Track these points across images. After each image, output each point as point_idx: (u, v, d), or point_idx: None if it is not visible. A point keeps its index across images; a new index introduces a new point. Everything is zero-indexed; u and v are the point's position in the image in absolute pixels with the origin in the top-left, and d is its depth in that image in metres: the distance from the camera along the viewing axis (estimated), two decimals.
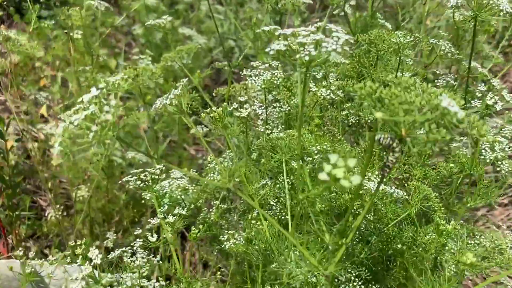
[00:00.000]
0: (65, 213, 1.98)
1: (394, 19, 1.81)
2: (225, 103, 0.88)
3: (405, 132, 0.61)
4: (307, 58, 0.59)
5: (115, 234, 1.10)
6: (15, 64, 2.36)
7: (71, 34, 1.60)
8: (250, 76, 1.17)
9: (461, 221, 1.35)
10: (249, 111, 1.03)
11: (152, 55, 2.28)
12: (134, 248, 0.99)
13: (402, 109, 0.57)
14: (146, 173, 0.97)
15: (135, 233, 0.99)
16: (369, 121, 1.31)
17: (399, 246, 1.10)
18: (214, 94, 1.46)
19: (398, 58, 1.09)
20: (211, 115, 0.84)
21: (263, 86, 1.16)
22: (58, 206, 1.87)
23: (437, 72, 1.35)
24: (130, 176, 0.96)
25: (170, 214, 0.93)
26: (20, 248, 1.90)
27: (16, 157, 2.12)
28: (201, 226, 1.06)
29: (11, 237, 1.91)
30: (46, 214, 1.85)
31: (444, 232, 0.83)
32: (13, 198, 1.80)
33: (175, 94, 0.62)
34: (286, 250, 0.78)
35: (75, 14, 1.60)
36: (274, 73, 1.18)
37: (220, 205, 1.33)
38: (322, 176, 0.47)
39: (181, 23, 3.45)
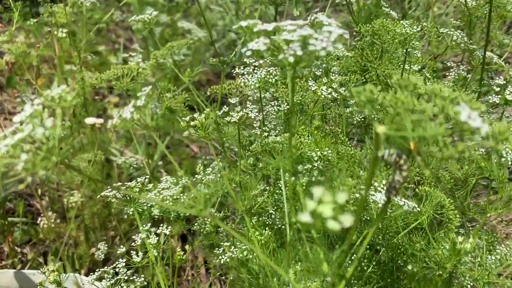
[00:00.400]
0: (60, 219, 1.91)
1: (400, 7, 1.68)
2: (208, 109, 0.78)
3: (414, 146, 0.50)
4: (291, 59, 0.48)
5: (111, 240, 1.01)
6: (12, 63, 2.28)
7: (56, 32, 1.50)
8: (243, 74, 1.07)
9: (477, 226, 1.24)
10: (241, 115, 0.93)
11: (149, 51, 2.18)
12: (117, 268, 0.90)
13: (409, 120, 0.46)
14: (127, 185, 0.87)
15: (118, 252, 0.90)
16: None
17: (409, 258, 1.00)
18: (208, 93, 1.36)
19: (404, 50, 0.97)
20: (192, 123, 0.74)
21: (257, 85, 1.06)
22: (50, 213, 1.78)
23: (448, 63, 1.24)
24: (109, 190, 0.87)
25: (152, 234, 0.84)
26: (15, 257, 1.82)
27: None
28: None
29: (4, 245, 1.84)
30: (38, 222, 1.76)
31: (461, 252, 0.72)
32: (4, 204, 1.73)
33: (135, 106, 0.52)
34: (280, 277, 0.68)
35: (59, 11, 1.51)
36: (269, 71, 1.07)
37: (215, 213, 1.24)
38: (304, 217, 0.37)
39: (181, 17, 3.35)
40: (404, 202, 0.80)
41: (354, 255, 0.90)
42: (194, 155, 2.70)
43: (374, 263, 1.00)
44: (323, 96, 0.96)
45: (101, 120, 1.34)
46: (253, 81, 1.03)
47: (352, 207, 0.93)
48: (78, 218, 1.88)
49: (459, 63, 1.25)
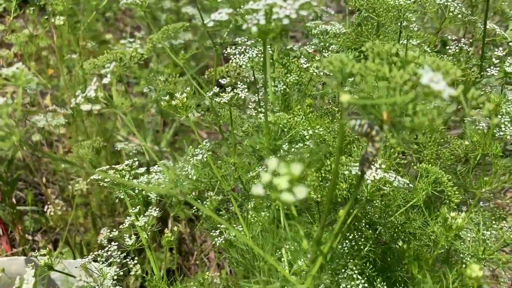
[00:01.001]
0: (70, 207, 1.93)
1: None
2: (188, 89, 0.76)
3: (387, 116, 0.48)
4: (254, 28, 0.47)
5: (118, 226, 1.01)
6: (20, 54, 2.29)
7: (53, 20, 1.50)
8: (235, 54, 1.05)
9: (481, 203, 1.21)
10: (231, 95, 0.91)
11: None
12: (110, 252, 0.90)
13: (377, 89, 0.44)
14: (115, 169, 0.86)
15: (110, 235, 0.90)
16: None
17: (408, 237, 0.98)
18: (206, 76, 1.35)
19: (399, 24, 0.94)
20: (174, 103, 0.73)
21: (249, 65, 1.04)
22: (57, 200, 1.80)
23: (449, 37, 1.20)
24: (97, 175, 0.86)
25: (141, 216, 0.83)
26: (26, 244, 1.85)
27: (19, 151, 2.06)
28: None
29: (14, 233, 1.87)
30: (45, 209, 1.78)
31: (453, 227, 0.70)
32: (12, 193, 1.75)
33: (97, 85, 0.51)
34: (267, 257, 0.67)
35: None
36: (261, 50, 1.05)
37: (214, 197, 1.23)
38: (257, 189, 0.36)
39: (186, 3, 3.32)
40: (395, 177, 0.78)
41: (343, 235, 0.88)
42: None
43: (370, 242, 0.99)
44: (314, 74, 0.93)
45: (97, 107, 1.34)
46: (244, 61, 1.02)
47: (345, 185, 0.91)
48: (88, 205, 1.90)
49: (461, 37, 1.21)
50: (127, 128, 2.38)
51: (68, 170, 1.99)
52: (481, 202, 1.24)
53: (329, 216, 0.59)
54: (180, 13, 3.07)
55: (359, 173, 0.52)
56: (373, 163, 0.51)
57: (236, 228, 0.88)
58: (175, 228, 1.54)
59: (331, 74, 0.50)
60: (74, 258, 1.77)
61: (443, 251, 0.92)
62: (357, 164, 0.83)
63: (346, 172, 0.78)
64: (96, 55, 2.22)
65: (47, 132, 2.17)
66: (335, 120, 1.13)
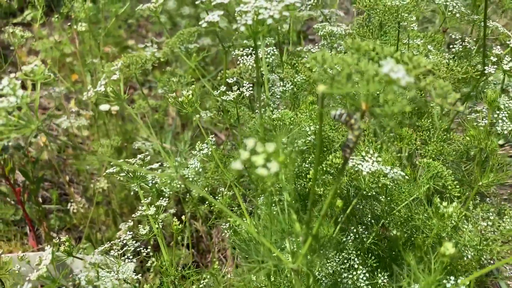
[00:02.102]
0: (93, 206, 2.01)
1: None
2: (194, 86, 0.82)
3: (366, 106, 0.53)
4: (242, 28, 0.52)
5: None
6: (45, 61, 2.40)
7: (75, 27, 1.58)
8: (242, 55, 1.10)
9: (488, 199, 1.23)
10: (237, 93, 0.97)
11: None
12: (125, 241, 0.96)
13: (352, 80, 0.49)
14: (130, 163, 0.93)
15: (123, 227, 0.96)
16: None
17: (410, 230, 1.01)
18: (219, 78, 1.41)
19: (397, 23, 0.98)
20: (180, 100, 0.79)
21: (255, 65, 1.09)
22: (80, 199, 1.89)
23: (454, 36, 1.23)
24: (113, 168, 0.93)
25: (152, 206, 0.89)
26: (51, 241, 1.94)
27: (45, 152, 2.16)
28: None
29: (40, 230, 1.97)
30: (68, 208, 1.87)
31: (445, 216, 0.74)
32: (37, 192, 1.84)
33: (108, 80, 0.57)
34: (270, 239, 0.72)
35: (78, 6, 1.58)
36: (267, 51, 1.11)
37: (226, 193, 1.28)
38: (236, 165, 0.41)
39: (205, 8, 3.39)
40: (389, 169, 0.82)
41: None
42: (220, 143, 2.76)
43: (373, 234, 1.03)
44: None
45: (116, 108, 1.41)
46: (251, 62, 1.07)
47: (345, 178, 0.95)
48: (109, 204, 1.99)
49: (465, 36, 1.24)
50: (148, 129, 2.46)
51: (90, 171, 2.08)
52: (487, 199, 1.26)
53: (321, 204, 0.64)
54: (199, 19, 3.14)
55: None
56: (353, 149, 0.55)
57: (241, 218, 0.93)
58: (185, 219, 1.59)
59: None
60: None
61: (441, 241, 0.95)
62: (355, 157, 0.87)
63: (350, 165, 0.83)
64: (117, 59, 2.30)
65: (72, 134, 2.27)
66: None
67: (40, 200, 2.05)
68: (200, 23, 0.54)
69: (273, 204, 0.71)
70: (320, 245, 0.67)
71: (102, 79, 0.58)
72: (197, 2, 0.58)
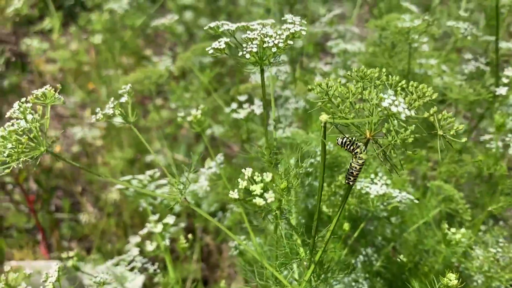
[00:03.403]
0: (103, 216, 2.03)
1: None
2: (203, 106, 0.82)
3: (370, 134, 0.52)
4: (248, 56, 0.52)
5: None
6: (63, 69, 2.44)
7: (92, 38, 1.61)
8: (254, 72, 1.11)
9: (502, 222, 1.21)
10: (248, 112, 0.97)
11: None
12: (132, 257, 0.97)
13: (354, 109, 0.49)
14: (137, 179, 0.93)
15: (132, 242, 0.96)
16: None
17: (419, 253, 1.00)
18: (231, 94, 1.41)
19: (408, 44, 0.97)
20: (188, 119, 0.79)
21: (266, 83, 1.09)
22: (91, 209, 1.91)
23: (466, 57, 1.22)
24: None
25: (159, 223, 0.90)
26: (62, 250, 1.96)
27: (57, 161, 2.19)
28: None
29: (52, 239, 1.99)
30: (80, 218, 1.89)
31: (453, 242, 0.73)
32: (50, 201, 1.87)
33: (115, 103, 0.58)
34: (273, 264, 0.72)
35: (96, 18, 1.61)
36: (279, 69, 1.11)
37: (235, 210, 1.28)
38: (233, 194, 0.41)
39: (223, 20, 3.41)
40: (397, 192, 0.81)
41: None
42: (233, 155, 2.76)
43: (382, 257, 1.01)
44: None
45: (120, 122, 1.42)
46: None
47: (354, 200, 0.94)
48: (120, 215, 2.00)
49: (479, 57, 1.23)
50: (161, 141, 2.47)
51: (103, 181, 2.10)
52: (501, 222, 1.24)
53: (327, 228, 0.63)
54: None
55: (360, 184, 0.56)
56: (357, 176, 0.55)
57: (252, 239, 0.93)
58: (190, 236, 1.60)
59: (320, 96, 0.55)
60: None
61: (452, 267, 0.94)
62: (364, 179, 0.86)
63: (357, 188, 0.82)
64: (134, 70, 2.34)
65: (87, 144, 2.29)
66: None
67: (53, 208, 2.07)
68: (207, 49, 0.55)
69: (279, 226, 0.70)
70: (326, 270, 0.66)
71: (110, 102, 0.59)
72: (205, 28, 0.59)
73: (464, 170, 1.08)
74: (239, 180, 0.42)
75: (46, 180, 1.82)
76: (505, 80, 0.95)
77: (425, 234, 1.02)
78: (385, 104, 0.42)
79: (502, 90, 0.94)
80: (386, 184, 0.84)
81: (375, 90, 0.50)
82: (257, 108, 1.01)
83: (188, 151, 2.52)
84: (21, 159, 0.47)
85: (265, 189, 0.42)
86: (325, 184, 0.99)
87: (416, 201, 0.83)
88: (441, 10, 1.41)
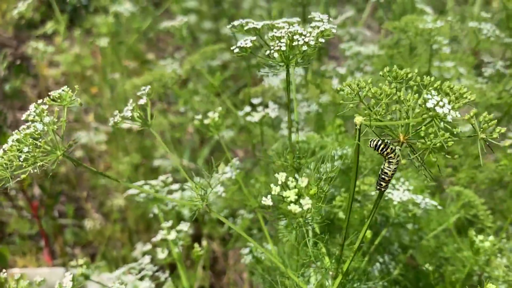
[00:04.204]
0: (109, 222, 1.99)
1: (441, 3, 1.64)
2: (220, 108, 0.79)
3: (403, 138, 0.49)
4: (276, 55, 0.49)
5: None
6: (66, 74, 2.42)
7: (98, 42, 1.58)
8: (267, 75, 1.08)
9: None
10: (262, 115, 0.94)
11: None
12: (143, 265, 0.94)
13: (391, 111, 0.46)
14: (149, 186, 0.90)
15: (142, 249, 0.93)
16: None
17: (438, 261, 0.96)
18: (240, 97, 1.38)
19: (429, 46, 0.95)
20: (206, 122, 0.76)
21: (281, 86, 1.07)
22: (95, 215, 1.87)
23: (486, 60, 1.19)
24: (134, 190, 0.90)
25: (172, 230, 0.87)
26: (65, 256, 1.92)
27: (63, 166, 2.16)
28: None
29: (55, 246, 1.95)
30: (85, 224, 1.86)
31: (481, 250, 0.70)
32: (54, 206, 1.83)
33: (133, 105, 0.55)
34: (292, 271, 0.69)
35: (101, 22, 1.59)
36: (295, 72, 1.08)
37: (245, 216, 1.25)
38: (266, 201, 0.38)
39: (226, 23, 3.40)
40: (421, 198, 0.78)
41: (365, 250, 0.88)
42: (240, 160, 2.72)
43: (401, 264, 0.98)
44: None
45: (136, 126, 1.40)
46: (276, 83, 1.05)
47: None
48: (125, 221, 1.96)
49: (498, 60, 1.20)
50: (167, 145, 2.44)
51: (107, 186, 2.06)
52: None
53: (353, 236, 0.60)
54: (219, 33, 3.15)
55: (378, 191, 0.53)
56: (389, 182, 0.52)
57: (264, 246, 0.90)
58: (205, 244, 1.56)
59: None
60: (111, 272, 1.83)
61: (475, 276, 0.91)
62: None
63: (373, 193, 0.79)
64: (137, 74, 2.32)
65: (90, 149, 2.26)
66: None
67: (57, 214, 2.03)
68: (231, 48, 0.52)
69: (299, 234, 0.67)
70: (352, 279, 0.63)
71: (129, 104, 0.56)
72: (228, 27, 0.56)
73: (485, 176, 1.05)
74: (272, 185, 0.39)
75: (50, 186, 1.79)
76: None
77: (444, 241, 0.99)
78: (429, 105, 0.39)
79: None
80: (408, 190, 0.81)
81: (410, 91, 0.47)
82: (272, 111, 0.98)
83: (193, 155, 2.49)
84: (38, 163, 0.44)
85: (299, 195, 0.39)
86: (343, 190, 0.96)
87: (440, 208, 0.80)
88: (457, 13, 1.38)
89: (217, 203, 1.40)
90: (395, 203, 0.77)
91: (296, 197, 0.39)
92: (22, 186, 1.65)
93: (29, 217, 2.00)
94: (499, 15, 1.27)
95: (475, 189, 1.08)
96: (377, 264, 1.02)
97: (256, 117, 0.95)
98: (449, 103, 0.45)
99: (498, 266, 0.86)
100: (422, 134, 0.44)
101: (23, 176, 0.45)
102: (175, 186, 0.99)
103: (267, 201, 0.39)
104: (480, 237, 0.73)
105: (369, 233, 0.80)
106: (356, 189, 0.89)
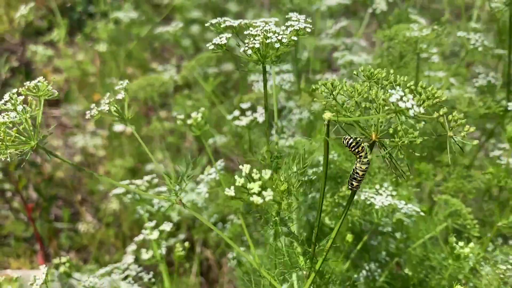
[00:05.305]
0: (104, 226, 2.00)
1: (432, 13, 1.65)
2: (203, 109, 0.80)
3: (375, 136, 0.50)
4: (249, 52, 0.50)
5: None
6: (68, 80, 2.44)
7: (97, 47, 1.60)
8: (257, 81, 1.09)
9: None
10: (250, 119, 0.95)
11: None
12: (127, 266, 0.94)
13: (360, 108, 0.46)
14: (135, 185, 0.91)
15: (127, 250, 0.93)
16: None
17: (425, 269, 0.96)
18: (235, 103, 1.39)
19: (416, 55, 0.95)
20: (188, 122, 0.77)
21: (270, 92, 1.07)
22: (89, 219, 1.88)
23: (477, 70, 1.19)
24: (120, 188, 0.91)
25: (155, 230, 0.87)
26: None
27: (60, 170, 2.17)
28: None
29: (50, 249, 1.95)
30: (79, 228, 1.86)
31: (461, 256, 0.69)
32: (49, 210, 1.84)
33: (110, 100, 0.56)
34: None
35: (101, 27, 1.61)
36: (283, 78, 1.09)
37: (234, 221, 1.25)
38: (228, 192, 0.38)
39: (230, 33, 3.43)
40: (403, 204, 0.78)
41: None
42: (237, 168, 2.73)
43: (386, 273, 0.98)
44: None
45: (130, 129, 1.41)
46: (274, 87, 1.05)
47: (358, 212, 0.91)
48: (120, 226, 1.97)
49: (489, 71, 1.21)
50: (163, 151, 2.46)
51: (104, 191, 2.07)
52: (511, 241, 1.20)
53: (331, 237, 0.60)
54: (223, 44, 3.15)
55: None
56: (361, 181, 0.52)
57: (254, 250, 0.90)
58: (199, 251, 1.56)
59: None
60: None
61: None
62: (368, 190, 0.84)
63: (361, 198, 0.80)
64: (136, 80, 2.33)
65: (88, 154, 2.27)
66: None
67: (52, 217, 2.04)
68: (207, 45, 0.53)
69: (278, 234, 0.68)
70: (326, 280, 0.63)
71: (106, 97, 0.57)
72: (206, 25, 0.57)
73: (472, 186, 1.04)
74: (236, 177, 0.39)
75: (46, 189, 1.80)
76: None
77: (431, 249, 0.98)
78: (392, 99, 0.39)
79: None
80: (392, 195, 0.81)
81: (382, 89, 0.48)
82: (260, 116, 0.98)
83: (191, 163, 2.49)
84: (10, 151, 0.45)
85: (263, 188, 0.40)
86: (328, 195, 0.96)
87: (422, 214, 0.80)
88: (453, 23, 1.39)
89: (208, 208, 1.41)
90: (376, 207, 0.77)
91: (260, 189, 0.40)
92: (17, 187, 1.66)
93: (25, 220, 2.01)
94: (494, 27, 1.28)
95: (463, 199, 1.08)
96: (363, 271, 1.02)
97: (244, 121, 0.95)
98: (419, 102, 0.45)
99: (483, 275, 0.85)
100: (391, 131, 0.44)
101: None
102: (163, 188, 0.99)
103: (230, 192, 0.40)
104: (461, 243, 0.72)
105: (349, 237, 0.80)
106: (341, 194, 0.89)
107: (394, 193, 0.80)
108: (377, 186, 0.82)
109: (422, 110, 0.40)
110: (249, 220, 1.35)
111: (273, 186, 0.48)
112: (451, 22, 1.68)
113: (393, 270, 1.04)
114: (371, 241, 1.11)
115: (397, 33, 1.03)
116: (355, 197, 0.90)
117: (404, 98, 0.40)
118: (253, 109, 1.06)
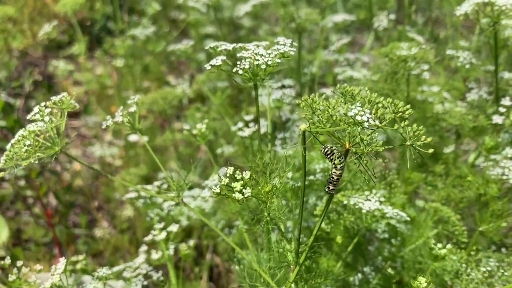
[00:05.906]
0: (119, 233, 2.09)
1: (431, 31, 1.72)
2: (207, 120, 0.89)
3: (349, 145, 0.57)
4: (240, 72, 0.59)
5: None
6: (88, 92, 2.56)
7: (115, 62, 1.71)
8: (261, 95, 1.17)
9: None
10: (252, 130, 1.03)
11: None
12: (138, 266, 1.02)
13: (332, 120, 0.54)
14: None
15: (140, 250, 1.02)
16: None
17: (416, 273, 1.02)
18: (242, 115, 1.48)
19: (406, 71, 1.03)
20: (194, 132, 0.86)
21: (272, 106, 1.16)
22: (107, 224, 1.97)
23: (470, 86, 1.26)
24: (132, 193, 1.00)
25: (163, 230, 0.95)
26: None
27: (79, 178, 2.28)
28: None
29: (68, 254, 2.05)
30: (95, 234, 1.96)
31: (438, 257, 0.76)
32: (68, 216, 1.94)
33: (123, 112, 0.64)
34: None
35: (119, 44, 1.71)
36: (285, 93, 1.17)
37: (240, 227, 1.33)
38: (215, 189, 0.46)
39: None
40: (389, 208, 0.85)
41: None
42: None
43: (379, 275, 1.04)
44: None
45: (145, 139, 1.50)
46: (267, 102, 1.14)
47: (351, 217, 0.98)
48: (134, 232, 2.06)
49: (482, 86, 1.27)
50: (177, 161, 2.55)
51: (120, 199, 2.17)
52: (503, 249, 1.25)
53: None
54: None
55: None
56: (336, 185, 0.60)
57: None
58: (208, 257, 1.64)
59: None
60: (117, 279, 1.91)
61: (446, 287, 0.96)
62: (358, 196, 0.91)
63: (351, 203, 0.87)
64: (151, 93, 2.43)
65: (106, 164, 2.38)
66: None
67: (71, 224, 2.14)
68: (205, 65, 0.62)
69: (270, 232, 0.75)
70: (314, 275, 0.70)
71: (119, 110, 0.66)
72: (206, 48, 0.66)
73: (463, 195, 1.11)
74: (222, 176, 0.47)
75: (65, 196, 1.90)
76: (502, 110, 0.99)
77: (421, 253, 1.04)
78: (351, 113, 0.47)
79: (498, 119, 0.98)
80: (380, 201, 0.88)
81: (350, 104, 0.56)
82: (262, 127, 1.07)
83: (204, 173, 2.58)
84: (37, 155, 0.54)
85: (244, 187, 0.47)
86: (324, 199, 1.04)
87: (408, 219, 0.87)
88: (452, 41, 1.46)
89: (216, 215, 1.49)
90: (364, 211, 0.84)
91: (241, 187, 0.48)
92: (38, 194, 1.76)
93: (44, 225, 2.11)
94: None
95: (454, 207, 1.14)
96: (359, 274, 1.08)
97: (246, 132, 1.04)
98: (382, 115, 0.53)
99: (467, 279, 0.91)
100: (357, 140, 0.52)
101: (24, 163, 0.55)
102: (172, 193, 1.07)
103: (216, 189, 0.48)
104: (440, 245, 0.79)
105: (339, 239, 0.87)
106: (335, 199, 0.96)
107: (382, 199, 0.87)
108: (366, 193, 0.89)
109: (377, 123, 0.48)
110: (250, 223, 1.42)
111: (259, 188, 0.56)
112: (453, 38, 1.74)
113: (386, 273, 1.11)
114: (369, 247, 1.18)
115: (392, 50, 1.11)
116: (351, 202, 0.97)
117: (361, 113, 0.48)
118: (256, 120, 1.14)
